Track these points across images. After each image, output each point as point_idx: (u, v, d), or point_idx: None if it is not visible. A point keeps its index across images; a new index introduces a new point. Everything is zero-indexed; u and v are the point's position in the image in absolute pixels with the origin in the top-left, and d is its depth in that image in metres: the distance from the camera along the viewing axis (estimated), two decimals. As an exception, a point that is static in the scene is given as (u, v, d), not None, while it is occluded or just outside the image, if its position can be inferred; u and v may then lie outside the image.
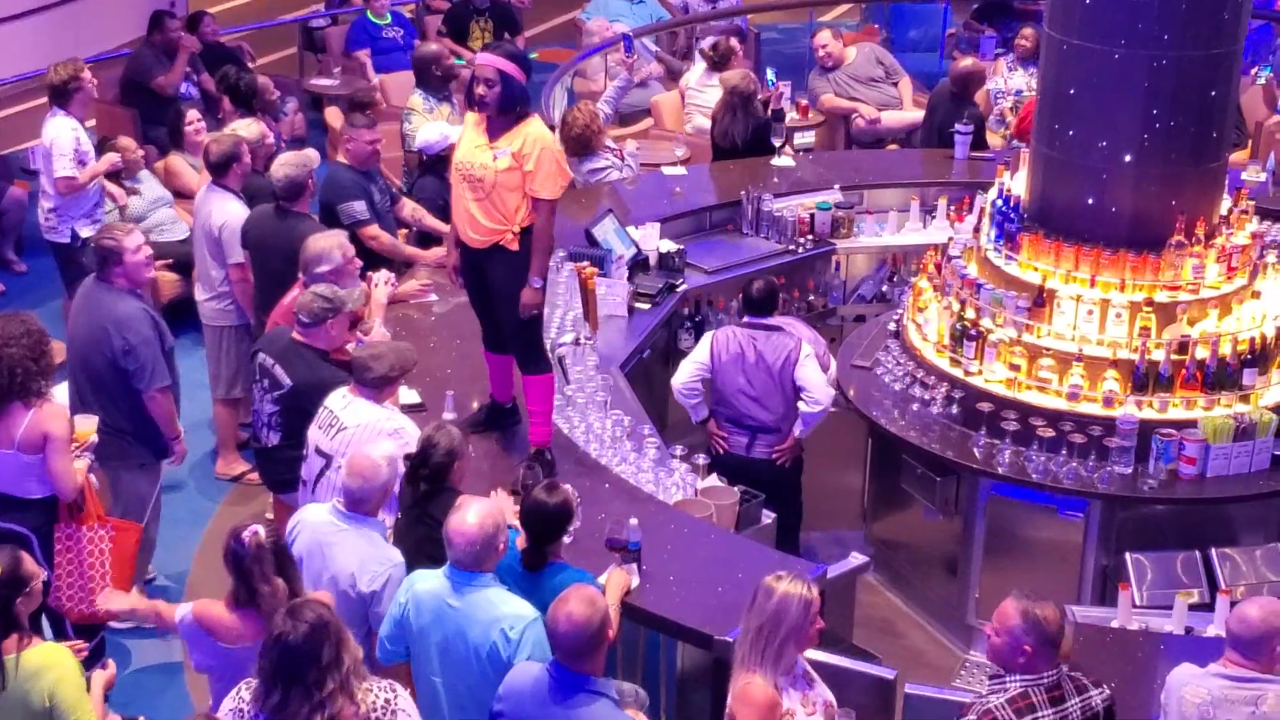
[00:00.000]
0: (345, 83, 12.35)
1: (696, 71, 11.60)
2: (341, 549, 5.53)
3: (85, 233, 8.90)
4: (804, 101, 11.60)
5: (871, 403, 7.49)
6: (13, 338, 6.05)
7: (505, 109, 6.19)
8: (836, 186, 9.37)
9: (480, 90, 6.17)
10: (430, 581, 5.19)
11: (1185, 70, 7.01)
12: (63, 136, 8.87)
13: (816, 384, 7.23)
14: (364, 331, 7.15)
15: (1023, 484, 6.94)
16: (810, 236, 9.07)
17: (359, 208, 8.18)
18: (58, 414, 6.21)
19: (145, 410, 6.89)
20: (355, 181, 8.30)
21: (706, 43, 11.99)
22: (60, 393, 6.83)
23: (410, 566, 5.45)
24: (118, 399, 6.89)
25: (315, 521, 5.67)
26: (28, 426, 6.08)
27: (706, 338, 7.49)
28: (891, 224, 9.30)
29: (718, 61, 11.26)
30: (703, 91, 11.31)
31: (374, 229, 8.20)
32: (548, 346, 7.13)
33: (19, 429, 6.08)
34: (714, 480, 6.71)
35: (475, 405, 6.91)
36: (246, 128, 8.81)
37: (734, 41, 11.65)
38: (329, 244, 7.20)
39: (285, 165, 7.93)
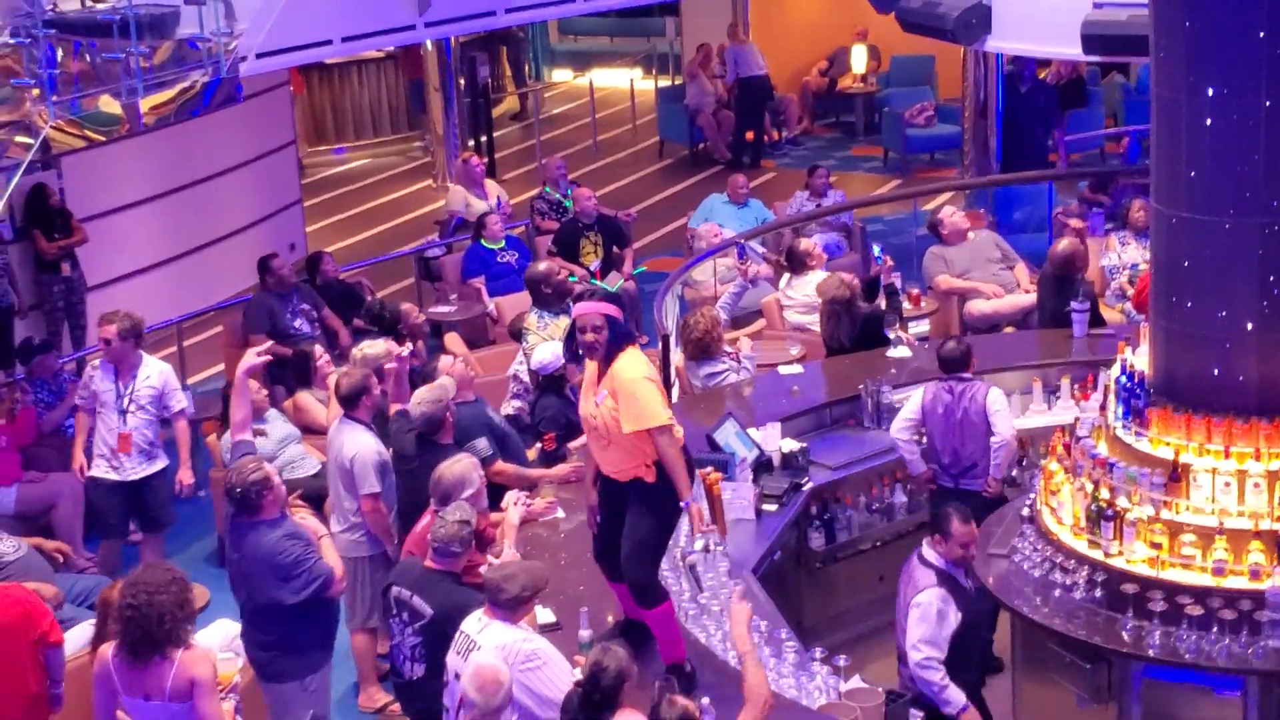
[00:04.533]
0: (462, 309, 12.62)
1: (784, 279, 11.82)
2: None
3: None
4: (915, 290, 11.64)
5: (1012, 591, 7.33)
6: (162, 585, 6.15)
7: (614, 351, 6.29)
8: (956, 374, 9.33)
9: (590, 337, 6.26)
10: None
11: (1299, 234, 6.96)
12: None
13: (1000, 414, 8.28)
14: (494, 554, 7.19)
15: (1176, 665, 6.73)
16: (934, 426, 9.02)
17: (482, 444, 8.33)
18: (202, 658, 6.28)
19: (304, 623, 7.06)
20: (470, 417, 8.46)
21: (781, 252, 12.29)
22: (205, 635, 6.93)
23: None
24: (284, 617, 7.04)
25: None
26: (175, 674, 6.14)
27: (916, 393, 8.50)
28: (1015, 407, 9.22)
29: (795, 267, 11.50)
30: (792, 294, 11.51)
31: (499, 465, 8.33)
32: (678, 555, 7.13)
33: (167, 678, 6.14)
34: (857, 682, 6.59)
35: (610, 621, 6.89)
36: (372, 346, 8.98)
37: (805, 243, 11.82)
38: (465, 469, 7.34)
39: (422, 403, 8.11)
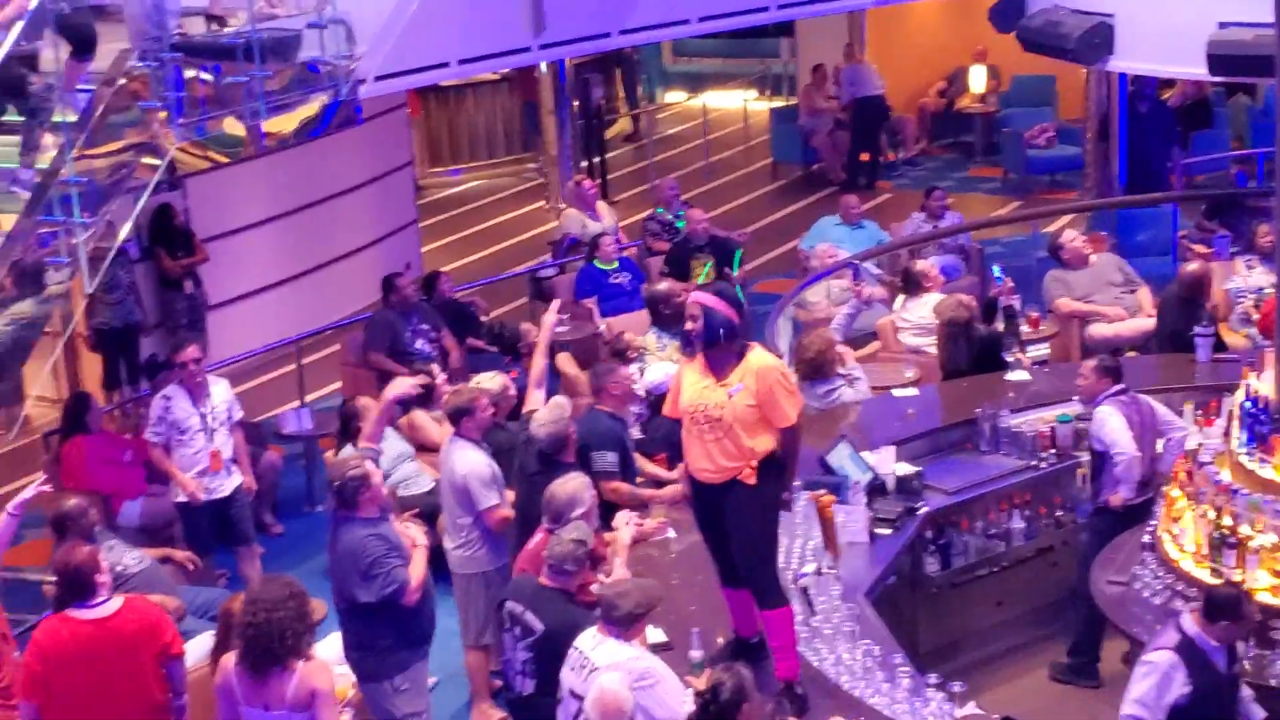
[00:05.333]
0: (574, 329, 12.66)
1: (899, 300, 11.74)
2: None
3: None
4: (1035, 314, 11.51)
5: (1132, 619, 7.22)
6: (280, 601, 6.26)
7: (709, 341, 6.32)
8: (1076, 398, 9.19)
9: (689, 325, 6.39)
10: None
11: None
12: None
13: (1168, 411, 8.46)
14: (605, 572, 7.20)
15: (1299, 696, 6.59)
16: (1053, 450, 8.90)
17: (610, 459, 8.34)
18: (322, 669, 6.36)
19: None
20: (612, 430, 8.47)
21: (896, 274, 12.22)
22: (323, 648, 7.01)
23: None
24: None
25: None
26: (296, 685, 6.23)
27: (1114, 415, 8.15)
28: (1136, 432, 9.06)
29: (910, 288, 11.41)
30: (907, 316, 11.43)
31: (616, 484, 8.32)
32: (790, 577, 7.09)
33: (288, 689, 6.23)
34: (973, 709, 6.51)
35: (720, 641, 6.87)
36: (490, 380, 9.03)
37: (921, 265, 11.73)
38: (577, 488, 7.35)
39: (544, 424, 8.13)
